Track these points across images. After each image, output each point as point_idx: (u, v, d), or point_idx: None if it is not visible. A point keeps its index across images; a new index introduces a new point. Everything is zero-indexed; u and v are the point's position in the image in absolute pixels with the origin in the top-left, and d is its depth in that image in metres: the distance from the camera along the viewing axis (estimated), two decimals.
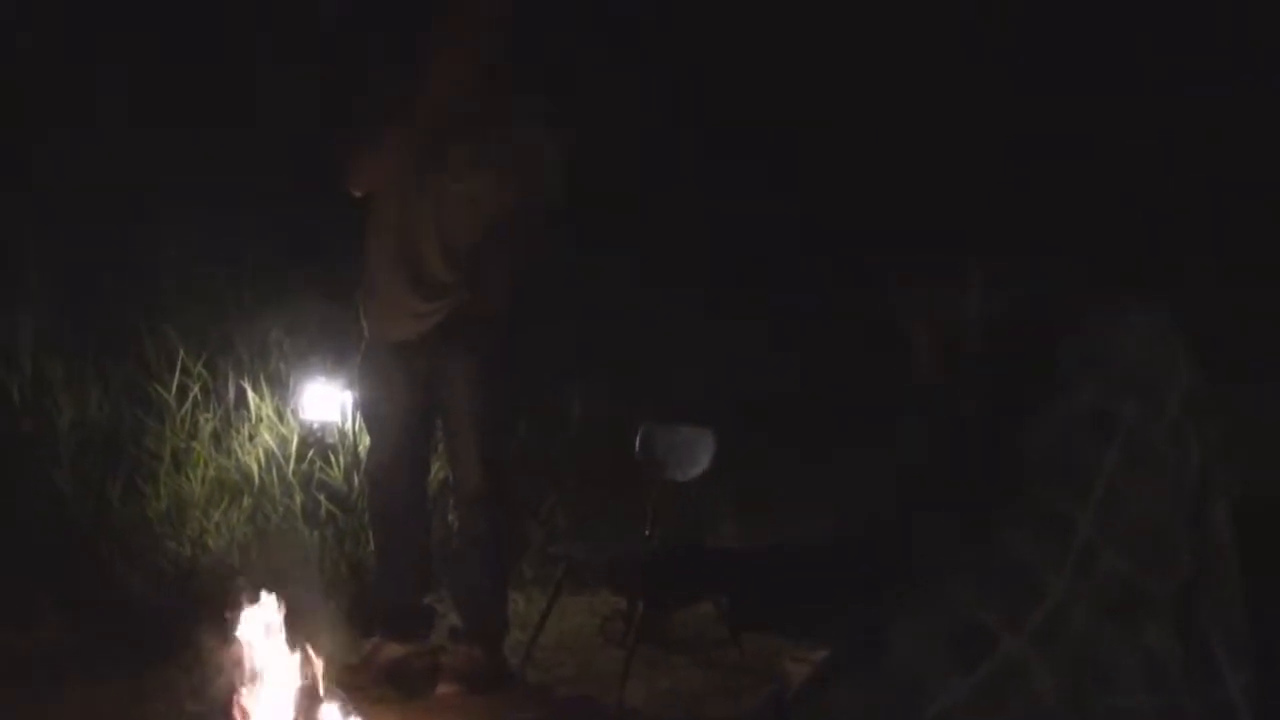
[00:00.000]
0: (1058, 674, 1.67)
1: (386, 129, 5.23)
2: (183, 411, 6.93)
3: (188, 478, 6.70)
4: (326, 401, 6.55)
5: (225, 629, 4.62)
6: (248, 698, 4.41)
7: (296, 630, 4.54)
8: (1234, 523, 1.87)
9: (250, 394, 6.94)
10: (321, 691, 4.49)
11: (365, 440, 6.00)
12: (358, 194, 5.36)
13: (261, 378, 7.04)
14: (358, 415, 6.34)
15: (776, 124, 8.53)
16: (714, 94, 8.89)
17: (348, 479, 6.70)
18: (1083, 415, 1.75)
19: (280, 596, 4.55)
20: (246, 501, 6.63)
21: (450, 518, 6.02)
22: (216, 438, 6.88)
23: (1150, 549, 1.76)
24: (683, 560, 2.33)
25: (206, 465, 6.74)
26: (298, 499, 6.68)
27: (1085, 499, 1.70)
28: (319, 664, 4.50)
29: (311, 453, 6.81)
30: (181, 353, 7.04)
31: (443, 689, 5.30)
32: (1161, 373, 1.79)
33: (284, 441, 6.82)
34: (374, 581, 5.83)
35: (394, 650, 5.49)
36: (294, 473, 6.76)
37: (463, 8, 5.22)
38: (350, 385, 6.20)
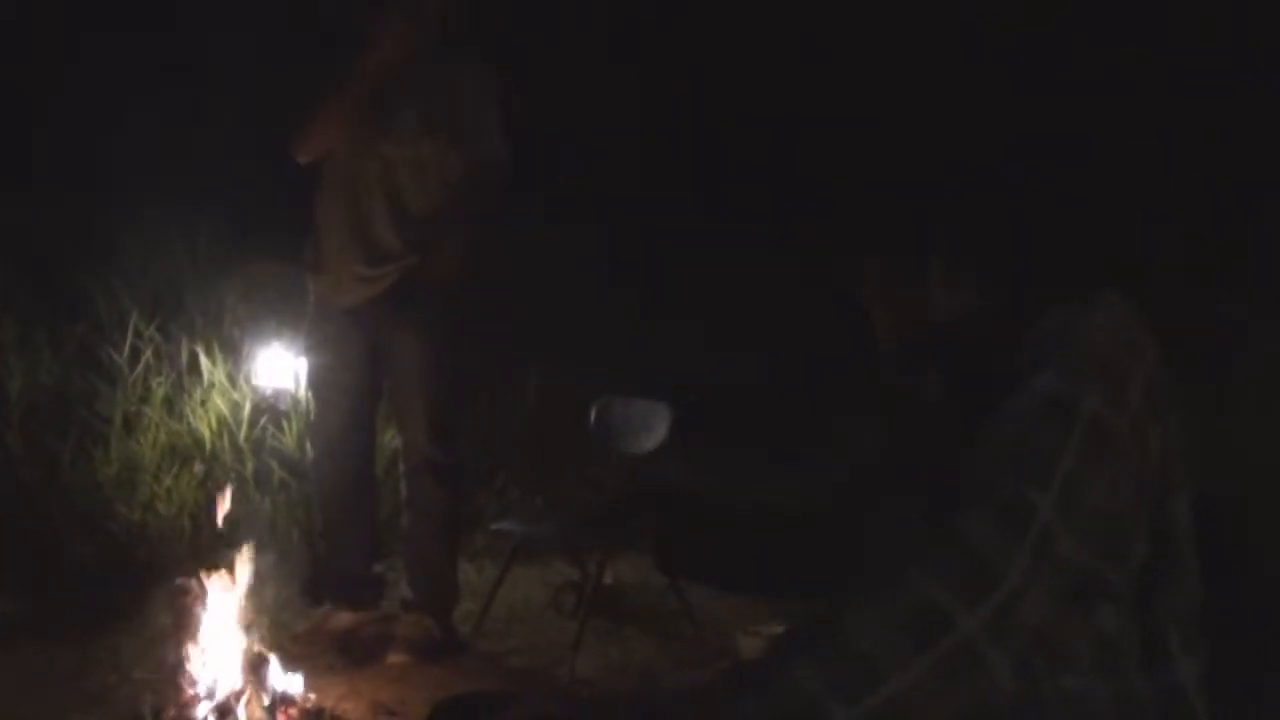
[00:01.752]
0: (1012, 656, 1.66)
1: (330, 95, 5.20)
2: (134, 375, 6.88)
3: (139, 442, 6.65)
4: (279, 367, 6.52)
5: (174, 595, 4.61)
6: (195, 664, 4.40)
7: (246, 597, 4.53)
8: (1192, 515, 1.88)
9: (203, 358, 6.89)
10: (269, 658, 4.48)
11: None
12: (303, 161, 5.33)
13: (215, 343, 6.99)
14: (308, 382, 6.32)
15: (742, 114, 8.54)
16: (677, 81, 8.89)
17: (300, 446, 6.67)
18: (1044, 402, 1.75)
19: (230, 562, 4.53)
20: (198, 467, 6.58)
21: (401, 486, 5.99)
22: (169, 402, 6.84)
23: (1108, 536, 1.76)
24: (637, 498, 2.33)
25: (158, 430, 6.69)
26: (249, 465, 6.64)
27: (1045, 484, 1.70)
28: (268, 630, 4.50)
29: (264, 419, 6.78)
30: (134, 315, 6.99)
31: (393, 658, 5.29)
32: (1125, 362, 1.79)
33: (236, 407, 6.78)
34: (324, 549, 5.82)
35: (344, 618, 5.48)
36: (246, 438, 6.72)
37: None
38: (303, 351, 6.18)
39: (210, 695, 4.36)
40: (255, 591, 4.56)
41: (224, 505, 4.73)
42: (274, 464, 6.66)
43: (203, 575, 4.48)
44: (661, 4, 9.13)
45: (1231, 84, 7.92)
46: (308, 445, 6.52)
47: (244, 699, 4.38)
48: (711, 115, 8.77)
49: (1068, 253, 2.08)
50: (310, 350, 5.61)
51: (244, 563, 4.54)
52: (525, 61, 5.92)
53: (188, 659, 4.40)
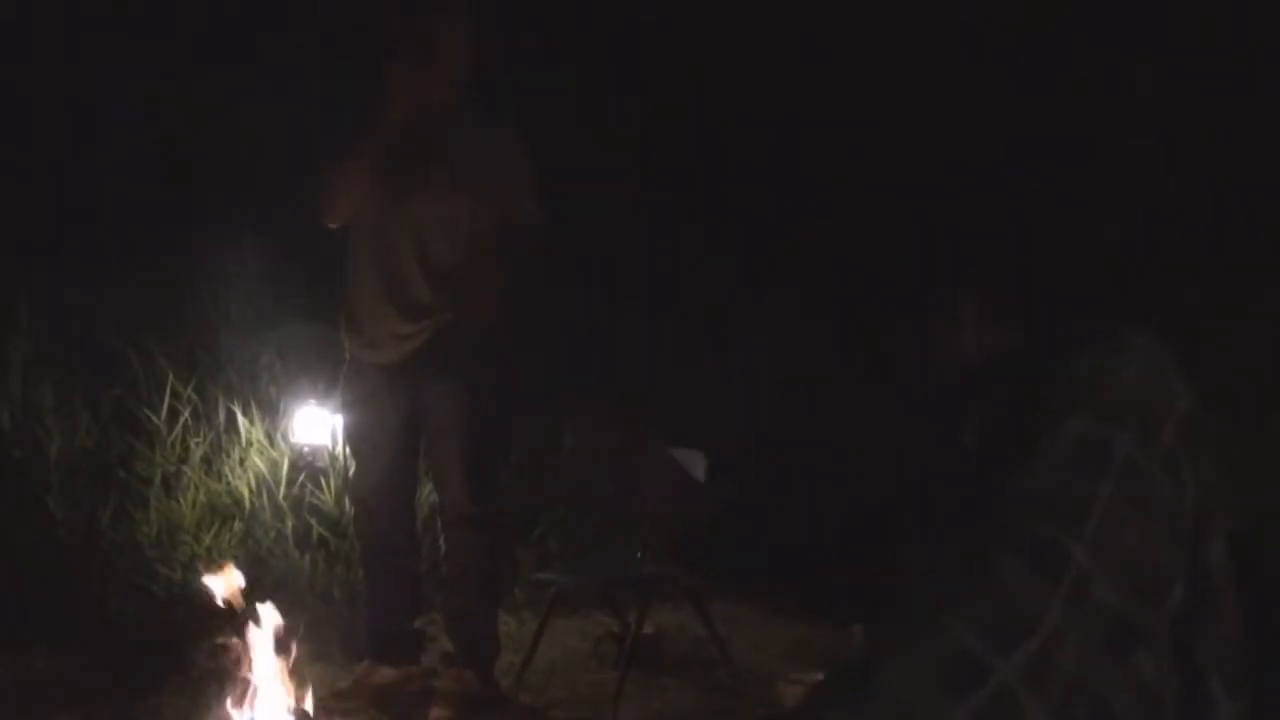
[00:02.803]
0: (1050, 704, 1.66)
1: (347, 158, 5.24)
2: (173, 436, 6.92)
3: (178, 502, 6.69)
4: (317, 425, 6.55)
5: (217, 653, 4.62)
6: None
7: (288, 654, 4.54)
8: (1233, 554, 1.87)
9: (240, 418, 6.93)
10: (312, 715, 4.49)
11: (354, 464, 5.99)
12: (331, 225, 5.37)
13: (252, 401, 7.02)
14: (345, 439, 6.35)
15: (763, 148, 8.53)
16: (697, 118, 8.89)
17: (339, 503, 6.69)
18: (1077, 445, 1.74)
19: (272, 621, 4.55)
20: (237, 525, 6.61)
21: (441, 541, 6.00)
22: (207, 462, 6.87)
23: (1144, 580, 1.75)
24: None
25: (197, 489, 6.72)
26: (289, 523, 6.67)
27: (1079, 530, 1.69)
28: (310, 688, 4.51)
29: (302, 476, 6.80)
30: (171, 377, 7.04)
31: (435, 713, 5.28)
32: (1156, 401, 1.78)
33: (274, 465, 6.81)
34: (365, 606, 5.82)
35: (385, 674, 5.47)
36: (285, 497, 6.75)
37: (430, 30, 5.24)
38: (340, 408, 6.20)
39: None
40: (297, 649, 4.57)
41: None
42: (313, 521, 6.67)
43: (244, 633, 4.49)
44: (670, 51, 9.14)
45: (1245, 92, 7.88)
46: (346, 502, 6.54)
47: None
48: (743, 156, 8.76)
49: (1100, 290, 2.07)
50: (347, 408, 5.64)
51: (285, 621, 4.56)
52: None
53: (230, 718, 4.41)
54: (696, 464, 5.92)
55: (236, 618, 4.53)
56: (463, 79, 5.29)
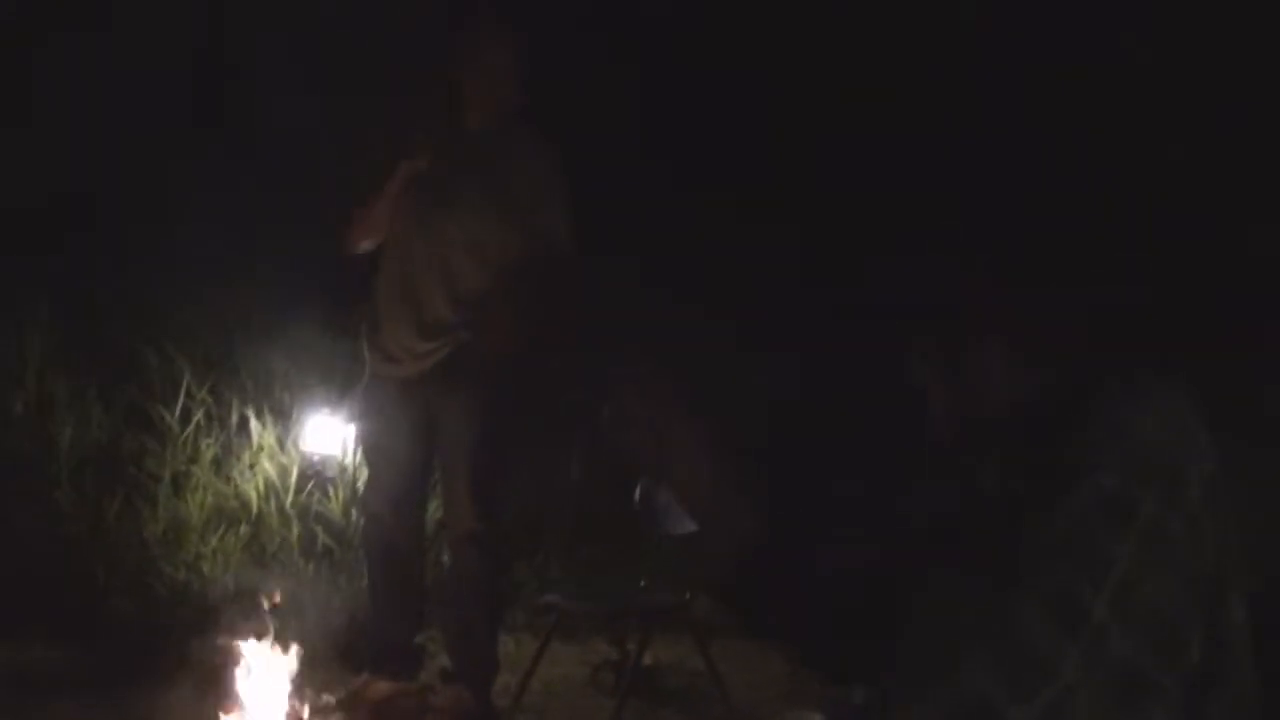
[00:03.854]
0: None
1: (366, 197, 5.29)
2: (185, 435, 6.94)
3: (186, 502, 6.70)
4: (328, 434, 6.56)
5: (216, 655, 4.63)
6: None
7: (287, 661, 4.54)
8: (1250, 613, 1.87)
9: (253, 422, 6.95)
10: None
11: (365, 475, 6.01)
12: (356, 253, 5.42)
13: (265, 407, 7.04)
14: (358, 450, 6.37)
15: (788, 177, 8.54)
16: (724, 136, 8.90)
17: (345, 513, 6.71)
18: (1102, 500, 1.74)
19: (273, 626, 4.56)
20: (244, 529, 6.62)
21: (445, 557, 6.01)
22: (217, 463, 6.89)
23: (1162, 638, 1.75)
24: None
25: (205, 490, 6.74)
26: (295, 530, 6.68)
27: (1100, 584, 1.70)
28: (308, 697, 4.51)
29: (311, 485, 6.81)
30: (187, 377, 7.06)
31: None
32: (1181, 457, 1.78)
33: (284, 471, 6.82)
34: (367, 617, 5.82)
35: (382, 688, 5.47)
36: (292, 503, 6.76)
37: (471, 53, 5.28)
38: (352, 419, 6.22)
39: None
40: (295, 656, 4.58)
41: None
42: (319, 530, 6.68)
43: (245, 637, 4.50)
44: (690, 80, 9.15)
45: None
46: (353, 512, 6.56)
47: None
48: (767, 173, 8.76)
49: (1126, 336, 2.07)
50: (362, 419, 5.66)
51: (286, 627, 4.57)
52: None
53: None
54: None
55: (238, 620, 4.54)
56: (504, 103, 5.32)
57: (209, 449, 6.91)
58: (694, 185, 8.43)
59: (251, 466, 6.87)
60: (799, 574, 2.24)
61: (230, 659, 4.53)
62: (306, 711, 4.56)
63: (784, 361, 7.70)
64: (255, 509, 6.73)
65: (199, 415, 7.01)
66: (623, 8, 8.97)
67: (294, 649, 4.61)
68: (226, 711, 4.45)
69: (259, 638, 4.54)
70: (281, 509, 6.75)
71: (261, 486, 6.78)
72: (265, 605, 4.52)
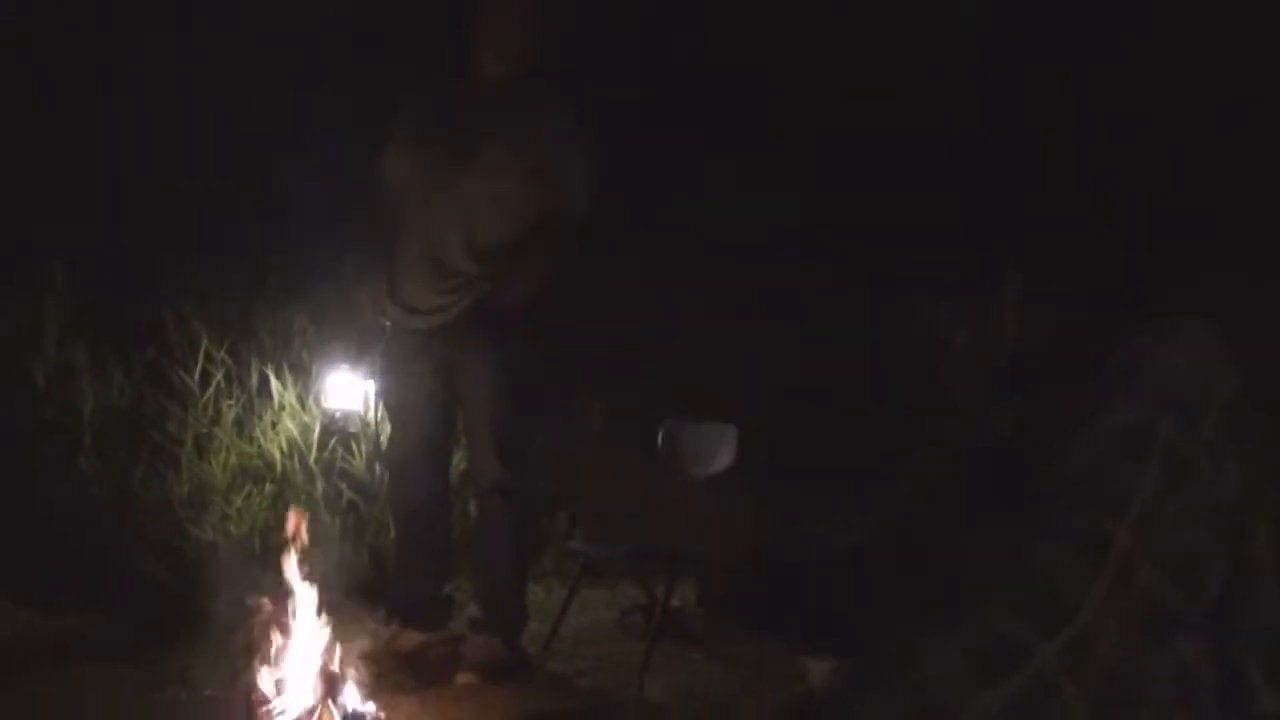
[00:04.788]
0: (1089, 688, 1.65)
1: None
2: (205, 397, 6.96)
3: (210, 463, 6.72)
4: (349, 390, 6.56)
5: (245, 613, 4.64)
6: (266, 682, 4.42)
7: (316, 616, 4.55)
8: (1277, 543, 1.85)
9: (273, 381, 6.96)
10: (341, 676, 4.51)
11: (387, 429, 6.01)
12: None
13: (285, 365, 7.05)
14: (379, 404, 6.37)
15: (806, 127, 8.51)
16: (737, 105, 8.88)
17: (369, 468, 6.72)
18: (1121, 432, 1.73)
19: (301, 582, 4.56)
20: (268, 488, 6.64)
21: (471, 508, 6.02)
22: (239, 424, 6.91)
23: (1185, 567, 1.74)
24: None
25: (229, 451, 6.76)
26: (319, 486, 6.69)
27: (1122, 515, 1.69)
28: (338, 649, 4.52)
29: (334, 441, 6.83)
30: (205, 339, 7.07)
31: (461, 678, 5.30)
32: (1202, 389, 1.77)
33: (306, 429, 6.84)
34: (394, 570, 5.84)
35: (413, 638, 5.50)
36: (316, 460, 6.78)
37: (500, 9, 5.26)
38: (372, 374, 6.22)
39: (282, 713, 4.38)
40: (325, 610, 4.59)
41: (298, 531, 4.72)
42: (343, 486, 6.70)
43: (274, 594, 4.51)
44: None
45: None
46: (377, 467, 6.57)
47: (315, 717, 4.40)
48: (775, 131, 8.74)
49: (1145, 276, 2.06)
50: (383, 372, 5.66)
51: (314, 582, 4.57)
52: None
53: (259, 678, 4.43)
54: (728, 439, 5.94)
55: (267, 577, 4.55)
56: (523, 56, 5.30)
57: (230, 409, 6.93)
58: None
59: (274, 425, 6.88)
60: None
61: (260, 617, 4.54)
62: (338, 664, 4.57)
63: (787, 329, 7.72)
64: (279, 467, 6.75)
65: (219, 376, 7.02)
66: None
67: (324, 603, 4.61)
68: (259, 669, 4.46)
69: (289, 594, 4.54)
70: (305, 466, 6.76)
71: (284, 445, 6.80)
72: (294, 558, 4.51)
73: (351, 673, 4.60)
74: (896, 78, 8.02)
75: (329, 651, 4.52)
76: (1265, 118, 7.65)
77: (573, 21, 5.84)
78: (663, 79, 8.79)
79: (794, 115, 8.64)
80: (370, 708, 4.56)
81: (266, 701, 4.40)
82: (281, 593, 4.51)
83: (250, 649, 4.51)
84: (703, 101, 8.76)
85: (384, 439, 6.34)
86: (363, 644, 5.51)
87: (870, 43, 8.54)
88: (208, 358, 7.04)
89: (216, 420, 6.91)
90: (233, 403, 6.96)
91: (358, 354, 6.47)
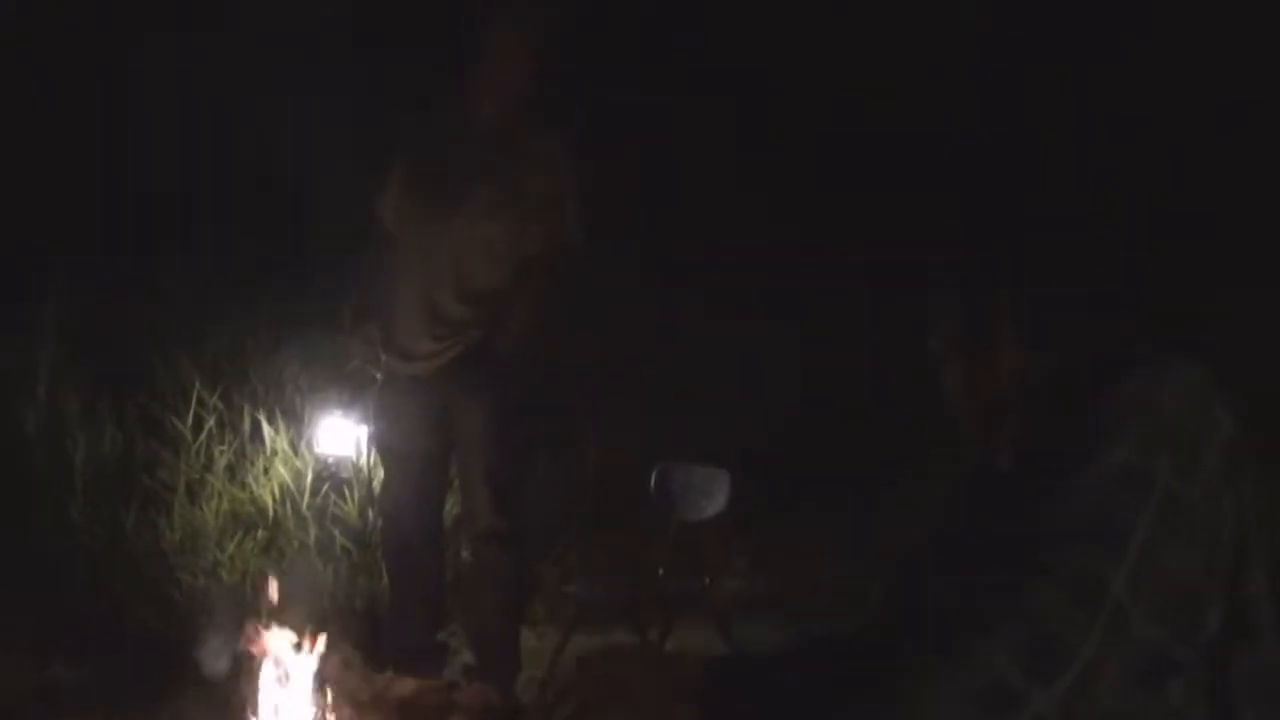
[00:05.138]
0: None
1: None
2: (198, 443, 6.94)
3: (202, 510, 6.70)
4: (341, 436, 6.56)
5: (237, 662, 4.61)
6: None
7: (309, 663, 4.53)
8: (1273, 583, 1.85)
9: (265, 427, 6.95)
10: None
11: (380, 475, 6.00)
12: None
13: (277, 411, 7.04)
14: (372, 450, 6.36)
15: (802, 161, 8.52)
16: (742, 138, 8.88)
17: (362, 514, 6.70)
18: (1118, 473, 1.73)
19: (294, 630, 4.54)
20: (261, 534, 6.62)
21: (464, 554, 6.00)
22: (231, 470, 6.89)
23: (1181, 611, 1.74)
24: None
25: (221, 497, 6.74)
26: (312, 533, 6.67)
27: (1118, 559, 1.68)
28: (331, 699, 4.50)
29: (326, 487, 6.81)
30: (197, 384, 7.05)
31: None
32: (1198, 431, 1.76)
33: (299, 475, 6.82)
34: (387, 616, 5.82)
35: (406, 685, 5.45)
36: (308, 506, 6.76)
37: (486, 42, 5.27)
38: (365, 419, 6.22)
39: None
40: (318, 659, 4.57)
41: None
42: (336, 532, 6.68)
43: (267, 642, 4.49)
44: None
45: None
46: (370, 513, 6.55)
47: None
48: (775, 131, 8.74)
49: (1138, 317, 2.05)
50: (377, 418, 5.66)
51: (308, 630, 4.55)
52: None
53: None
54: (721, 482, 5.93)
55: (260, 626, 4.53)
56: (516, 97, 5.30)
57: (222, 455, 6.91)
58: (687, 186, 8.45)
59: (266, 471, 6.86)
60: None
61: (253, 665, 4.52)
62: (331, 712, 4.55)
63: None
64: (271, 513, 6.73)
65: (211, 422, 7.01)
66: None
67: (316, 651, 4.60)
68: (252, 717, 4.44)
69: (281, 642, 4.52)
70: (298, 512, 6.74)
71: (277, 491, 6.78)
72: (279, 602, 4.50)
73: None
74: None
75: (321, 701, 4.49)
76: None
77: (571, 59, 5.85)
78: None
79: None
80: None
81: None
82: (275, 641, 4.49)
83: (243, 698, 4.48)
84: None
85: (377, 484, 6.32)
86: (356, 691, 5.48)
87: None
88: (200, 403, 7.02)
89: (209, 466, 6.89)
90: (225, 448, 6.94)
91: (350, 399, 6.46)
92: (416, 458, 5.44)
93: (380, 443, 5.75)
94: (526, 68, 5.30)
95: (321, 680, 4.51)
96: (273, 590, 4.55)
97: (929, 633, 1.76)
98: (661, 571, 5.77)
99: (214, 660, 4.68)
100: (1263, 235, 7.30)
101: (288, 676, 4.47)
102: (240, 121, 8.07)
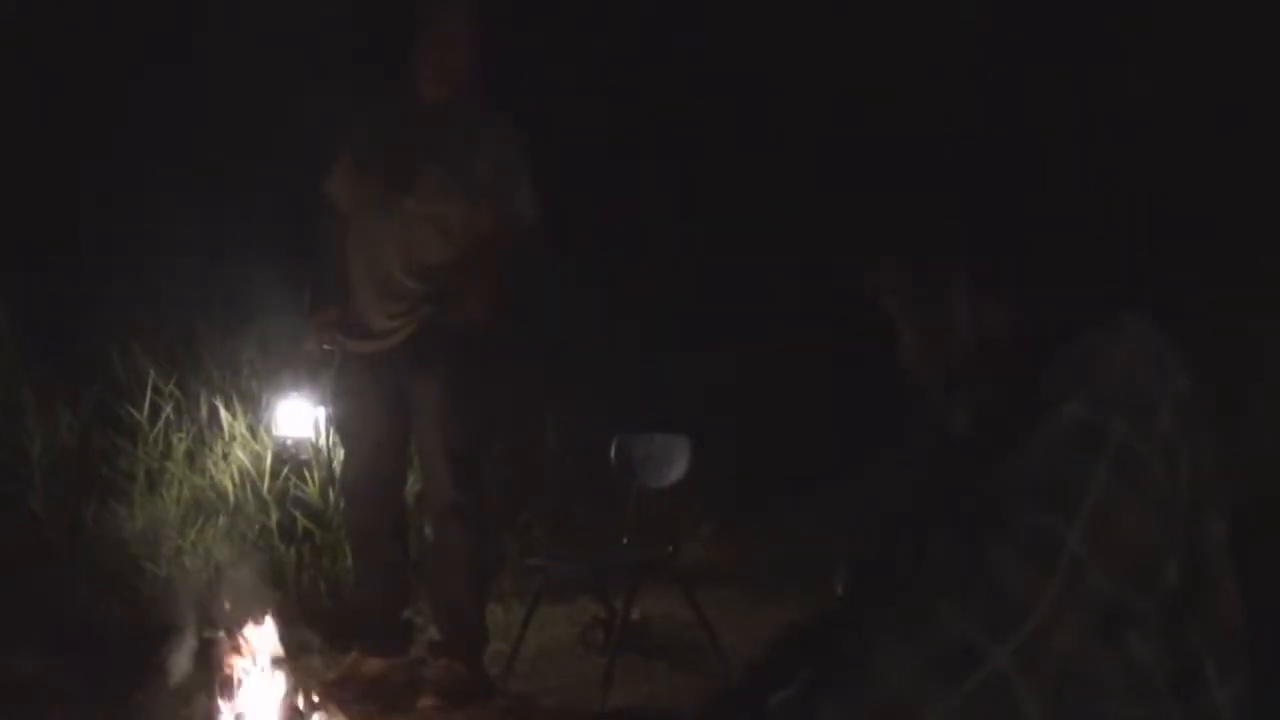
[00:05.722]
0: (1042, 690, 1.65)
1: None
2: (155, 432, 6.91)
3: (162, 497, 6.68)
4: (299, 418, 6.53)
5: (204, 648, 4.61)
6: (227, 716, 4.40)
7: (275, 647, 4.53)
8: (1229, 536, 1.85)
9: (223, 412, 6.92)
10: (303, 707, 4.48)
11: (340, 455, 5.99)
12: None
13: (234, 395, 7.01)
14: (332, 430, 6.35)
15: (753, 118, 8.51)
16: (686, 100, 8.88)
17: (323, 495, 6.69)
18: (1071, 430, 1.72)
19: (258, 614, 4.54)
20: (222, 520, 6.60)
21: (427, 531, 6.00)
22: (190, 457, 6.86)
23: (1137, 564, 1.74)
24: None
25: (180, 484, 6.72)
26: (274, 516, 6.66)
27: (1073, 515, 1.68)
28: (299, 680, 4.50)
29: (286, 469, 6.79)
30: (152, 373, 7.02)
31: (424, 702, 5.28)
32: (1153, 384, 1.76)
33: (258, 459, 6.80)
34: (352, 596, 5.82)
35: (373, 664, 5.47)
36: (269, 490, 6.74)
37: (431, 21, 5.26)
38: (323, 400, 6.20)
39: None
40: (284, 642, 4.57)
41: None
42: (297, 514, 6.67)
43: (231, 627, 4.49)
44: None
45: (1237, 82, 7.86)
46: (331, 494, 6.54)
47: None
48: (707, 127, 8.75)
49: (1093, 272, 2.05)
50: (335, 399, 5.66)
51: (272, 613, 4.55)
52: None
53: (219, 712, 4.40)
54: (681, 449, 5.94)
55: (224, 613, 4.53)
56: (462, 77, 5.30)
57: (181, 443, 6.88)
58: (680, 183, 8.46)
59: (225, 456, 6.84)
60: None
61: (218, 651, 4.51)
62: (299, 695, 4.55)
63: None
64: (232, 499, 6.71)
65: (168, 410, 6.97)
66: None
67: (282, 633, 4.60)
68: (219, 704, 4.44)
69: (245, 627, 4.52)
70: (259, 496, 6.73)
71: (236, 475, 6.76)
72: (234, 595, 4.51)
73: (313, 702, 4.58)
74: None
75: (288, 683, 4.49)
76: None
77: (514, 42, 5.84)
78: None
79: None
80: None
81: None
82: (239, 626, 4.49)
83: (210, 684, 4.48)
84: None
85: (337, 465, 6.31)
86: (323, 672, 5.49)
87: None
88: (156, 391, 6.99)
89: (167, 454, 6.87)
90: (183, 435, 6.92)
91: (307, 380, 6.44)
92: (374, 436, 5.44)
93: (340, 423, 5.76)
94: (476, 52, 5.30)
95: (281, 664, 4.50)
96: (228, 584, 4.54)
97: (888, 598, 1.76)
98: (625, 541, 5.77)
99: (177, 659, 4.69)
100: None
101: (253, 662, 4.47)
102: (192, 109, 8.04)
